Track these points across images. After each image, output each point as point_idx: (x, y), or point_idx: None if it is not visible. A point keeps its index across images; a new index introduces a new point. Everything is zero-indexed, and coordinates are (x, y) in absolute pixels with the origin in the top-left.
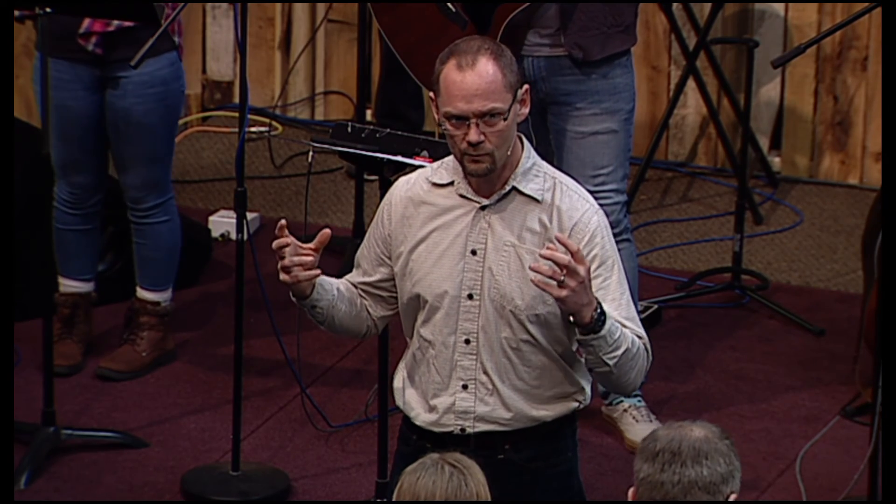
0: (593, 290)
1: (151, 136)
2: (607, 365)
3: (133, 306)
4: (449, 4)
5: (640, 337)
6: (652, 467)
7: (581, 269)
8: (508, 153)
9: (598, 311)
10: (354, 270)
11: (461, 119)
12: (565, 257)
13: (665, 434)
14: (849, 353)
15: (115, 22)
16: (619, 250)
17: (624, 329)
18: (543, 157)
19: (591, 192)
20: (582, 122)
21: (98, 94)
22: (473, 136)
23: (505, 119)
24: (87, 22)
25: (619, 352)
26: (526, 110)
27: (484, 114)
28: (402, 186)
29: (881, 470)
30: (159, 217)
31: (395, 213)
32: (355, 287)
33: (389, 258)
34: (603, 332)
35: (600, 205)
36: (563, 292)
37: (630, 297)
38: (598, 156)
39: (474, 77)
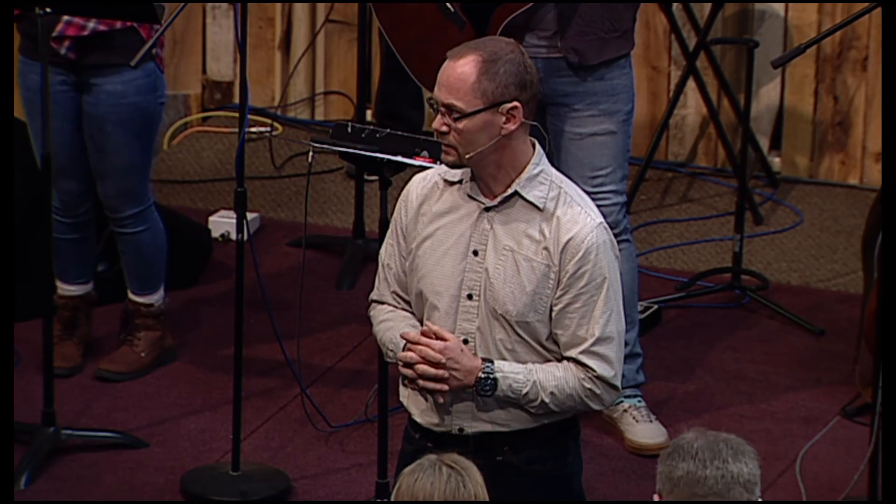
0: (576, 305)
1: (125, 146)
2: (532, 407)
3: (127, 308)
4: (448, 4)
5: (587, 368)
6: (693, 464)
7: (440, 359)
8: (470, 156)
9: (484, 375)
10: (384, 281)
11: (435, 104)
12: (428, 366)
13: (696, 436)
14: (849, 353)
15: (90, 26)
16: (619, 250)
17: (544, 380)
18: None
19: (590, 193)
20: (580, 123)
21: (77, 99)
22: (436, 122)
23: (459, 119)
24: (60, 25)
25: (535, 403)
26: (511, 126)
27: (445, 105)
28: (419, 183)
29: (881, 470)
30: (137, 227)
31: (410, 208)
32: (405, 309)
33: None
34: (497, 394)
35: (599, 205)
36: (440, 386)
37: (616, 316)
38: (596, 157)
39: (450, 68)
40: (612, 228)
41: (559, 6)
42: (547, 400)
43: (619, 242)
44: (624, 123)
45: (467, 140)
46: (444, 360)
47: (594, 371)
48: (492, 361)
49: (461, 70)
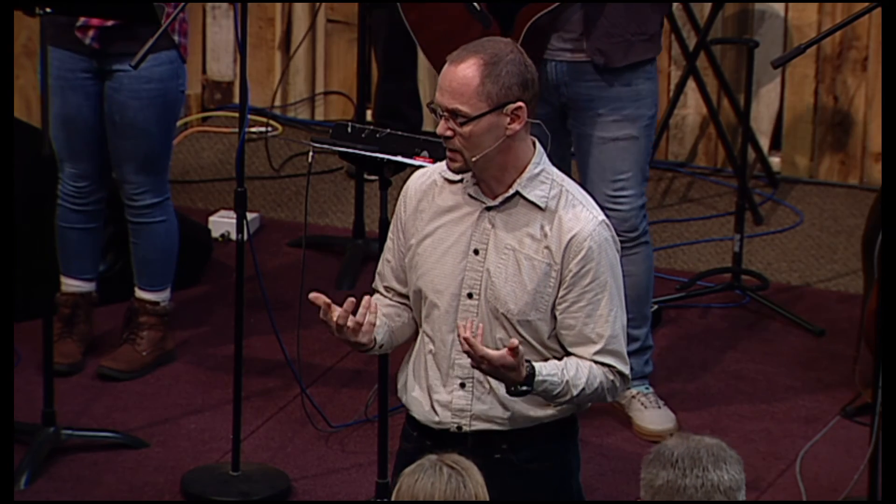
0: (581, 304)
1: (146, 132)
2: (558, 403)
3: (132, 306)
4: (475, 3)
5: (608, 366)
6: (672, 473)
7: (492, 357)
8: (476, 159)
9: (525, 388)
10: (379, 274)
11: (438, 109)
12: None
13: (678, 442)
14: (849, 353)
15: None
16: (634, 253)
17: (575, 377)
18: (557, 165)
19: (610, 196)
20: (603, 127)
21: (98, 86)
22: (440, 128)
23: (466, 124)
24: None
25: (564, 399)
26: (516, 126)
27: (449, 111)
28: (418, 179)
29: (881, 470)
30: (156, 217)
31: (409, 204)
32: (391, 299)
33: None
34: (532, 392)
35: (618, 209)
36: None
37: (620, 312)
38: (617, 161)
39: (452, 73)
40: (630, 232)
41: (585, 8)
42: (576, 394)
43: (636, 245)
44: (647, 129)
45: (473, 144)
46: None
47: (615, 367)
48: (533, 367)
49: (464, 74)
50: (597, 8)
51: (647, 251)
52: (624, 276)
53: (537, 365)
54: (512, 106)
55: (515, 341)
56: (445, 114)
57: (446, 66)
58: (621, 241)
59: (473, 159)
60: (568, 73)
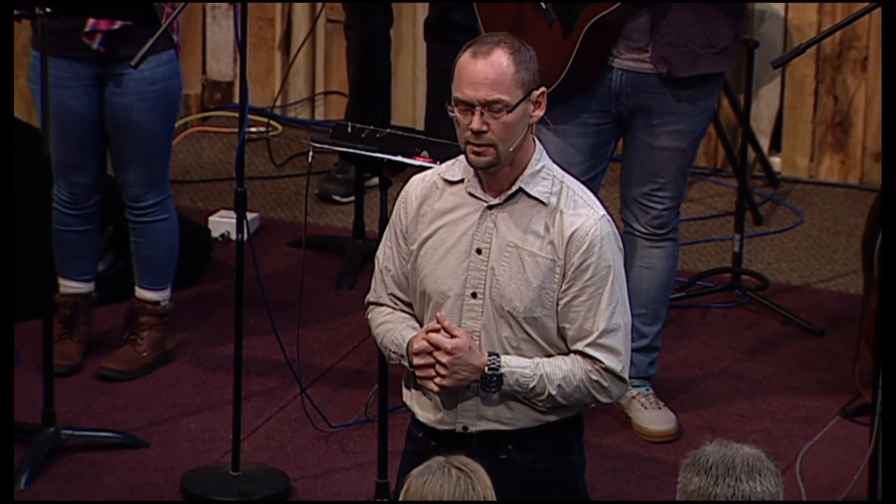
0: (582, 298)
1: (151, 133)
2: (539, 402)
3: (133, 306)
4: (542, 3)
5: (595, 360)
6: (704, 480)
7: (443, 358)
8: (511, 150)
9: (490, 372)
10: (381, 283)
11: (467, 106)
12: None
13: (716, 449)
14: (849, 353)
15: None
16: (659, 247)
17: (552, 372)
18: (583, 179)
19: (647, 194)
20: (654, 136)
21: (98, 93)
22: (476, 123)
23: (509, 112)
24: (91, 20)
25: (543, 396)
26: (539, 113)
27: (488, 103)
28: (418, 183)
29: (881, 470)
30: (158, 215)
31: (410, 209)
32: (402, 310)
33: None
34: (504, 388)
35: (653, 207)
36: (443, 381)
37: (621, 308)
38: (659, 167)
39: (485, 65)
40: (659, 229)
41: (650, 13)
42: (554, 392)
43: (664, 240)
44: (694, 142)
45: (510, 134)
46: (445, 361)
47: (602, 363)
48: (498, 356)
49: (499, 63)
50: (662, 14)
51: (673, 248)
52: (644, 268)
53: (503, 357)
54: (537, 92)
55: (441, 314)
56: (480, 108)
57: (472, 60)
58: (648, 236)
59: (511, 149)
60: (631, 83)
